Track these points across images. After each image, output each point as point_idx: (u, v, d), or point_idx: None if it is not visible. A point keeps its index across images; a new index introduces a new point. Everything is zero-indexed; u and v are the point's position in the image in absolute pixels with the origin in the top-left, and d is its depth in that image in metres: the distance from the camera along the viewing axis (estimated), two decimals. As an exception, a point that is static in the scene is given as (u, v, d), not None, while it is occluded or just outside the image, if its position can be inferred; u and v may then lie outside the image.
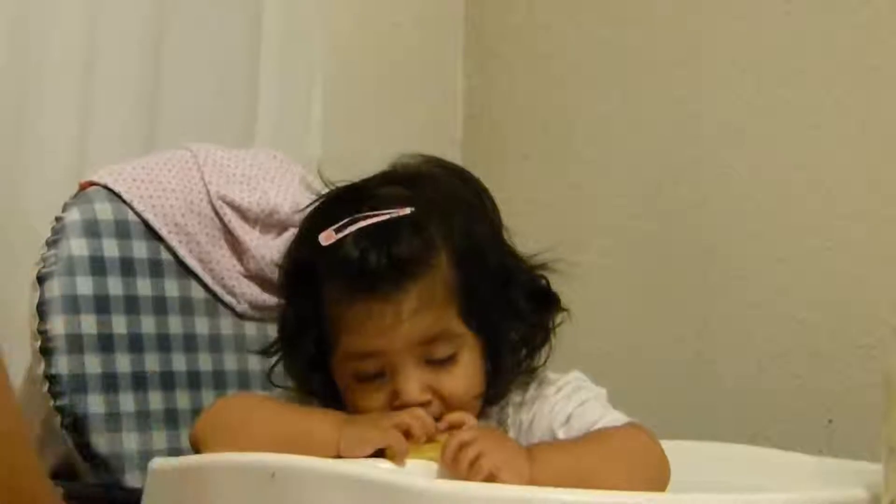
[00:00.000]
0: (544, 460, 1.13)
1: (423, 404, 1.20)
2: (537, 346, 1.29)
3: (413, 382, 1.20)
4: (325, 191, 1.36)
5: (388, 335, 1.19)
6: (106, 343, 1.45)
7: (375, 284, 1.19)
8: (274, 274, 1.59)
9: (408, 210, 1.21)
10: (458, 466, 1.08)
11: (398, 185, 1.27)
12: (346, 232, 1.20)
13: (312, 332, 1.25)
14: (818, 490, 1.19)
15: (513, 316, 1.27)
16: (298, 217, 1.40)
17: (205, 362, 1.56)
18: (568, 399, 1.26)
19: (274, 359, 1.33)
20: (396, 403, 1.21)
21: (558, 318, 1.30)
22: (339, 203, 1.28)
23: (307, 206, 1.34)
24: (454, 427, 1.18)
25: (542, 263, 1.30)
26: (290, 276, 1.31)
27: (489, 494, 1.02)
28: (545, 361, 1.30)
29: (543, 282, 1.30)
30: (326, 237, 1.21)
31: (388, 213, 1.21)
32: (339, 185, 1.33)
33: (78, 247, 1.45)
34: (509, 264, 1.28)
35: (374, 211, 1.21)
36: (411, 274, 1.19)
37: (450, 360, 1.22)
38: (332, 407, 1.25)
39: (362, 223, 1.20)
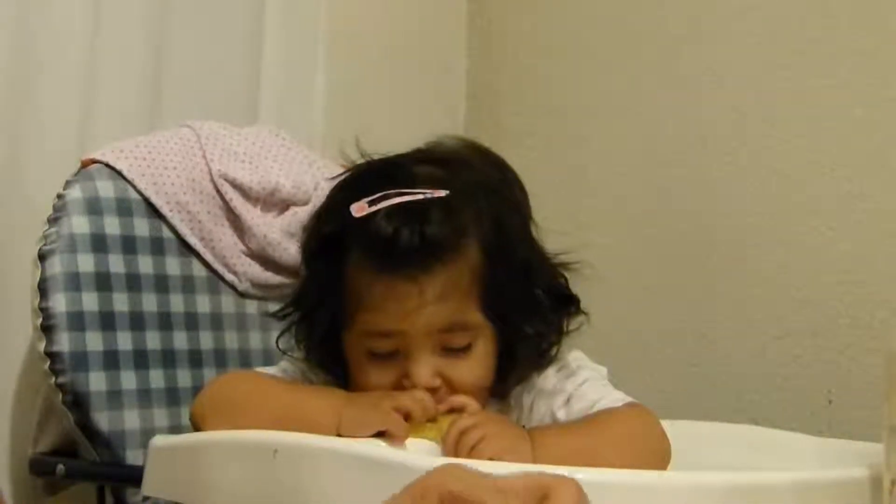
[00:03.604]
0: (546, 444, 1.12)
1: (432, 389, 1.19)
2: (551, 344, 1.27)
3: (426, 368, 1.19)
4: (329, 168, 1.34)
5: (409, 318, 1.18)
6: (107, 320, 1.45)
7: (404, 263, 1.17)
8: (276, 252, 1.59)
9: (443, 193, 1.18)
10: (459, 453, 1.08)
11: (434, 166, 1.24)
12: (380, 206, 1.17)
13: (331, 304, 1.23)
14: (819, 470, 1.19)
15: (531, 311, 1.25)
16: (326, 185, 1.37)
17: (206, 340, 1.56)
18: (568, 379, 1.26)
19: (283, 325, 1.31)
20: (405, 384, 1.20)
21: (576, 322, 1.28)
22: (372, 176, 1.25)
23: (338, 175, 1.32)
24: (456, 409, 1.18)
25: (564, 263, 1.28)
26: (314, 244, 1.28)
27: (489, 472, 1.02)
28: (554, 357, 1.28)
29: (563, 281, 1.28)
30: (359, 209, 1.18)
31: (423, 193, 1.18)
32: (374, 157, 1.30)
33: (79, 224, 1.45)
34: (534, 259, 1.26)
35: (409, 189, 1.19)
36: (441, 258, 1.17)
37: (465, 350, 1.21)
38: (339, 379, 1.25)
39: (396, 199, 1.18)
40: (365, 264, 1.19)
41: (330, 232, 1.24)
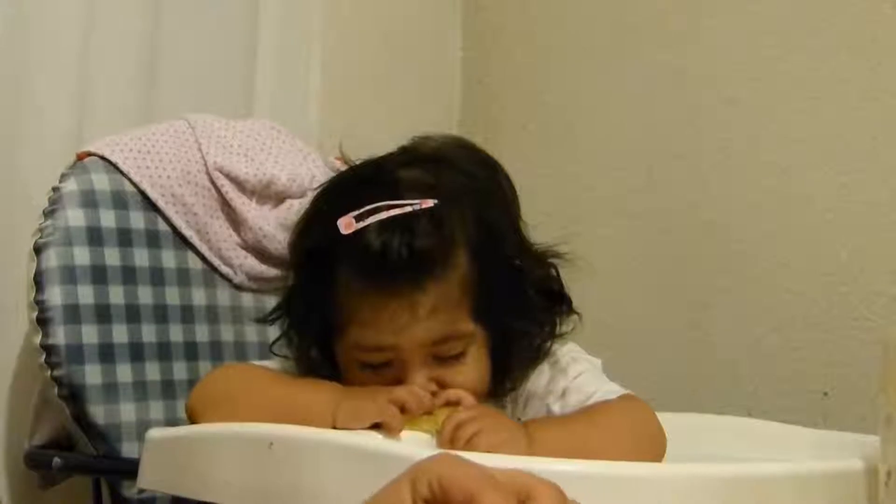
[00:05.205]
0: (542, 438, 1.12)
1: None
2: (543, 342, 1.27)
3: (420, 377, 1.18)
4: (324, 162, 1.33)
5: (401, 334, 1.17)
6: (103, 313, 1.45)
7: (394, 280, 1.16)
8: (271, 245, 1.59)
9: (431, 203, 1.17)
10: (454, 446, 1.07)
11: (419, 168, 1.23)
12: (367, 222, 1.16)
13: (320, 313, 1.23)
14: (815, 461, 1.19)
15: (523, 312, 1.24)
16: (312, 192, 1.36)
17: (202, 333, 1.56)
18: (563, 372, 1.25)
19: (275, 330, 1.32)
20: None
21: (570, 322, 1.27)
22: (358, 183, 1.24)
23: (324, 184, 1.31)
24: (451, 403, 1.17)
25: (556, 253, 1.27)
26: (302, 254, 1.27)
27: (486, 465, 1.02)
28: (548, 353, 1.28)
29: (554, 273, 1.27)
30: (346, 225, 1.17)
31: (411, 205, 1.17)
32: (358, 161, 1.28)
33: (75, 217, 1.45)
34: (524, 258, 1.25)
35: (396, 198, 1.17)
36: (430, 272, 1.16)
37: (458, 357, 1.20)
38: (333, 380, 1.24)
39: (384, 214, 1.16)
40: (354, 280, 1.18)
41: (317, 245, 1.23)
